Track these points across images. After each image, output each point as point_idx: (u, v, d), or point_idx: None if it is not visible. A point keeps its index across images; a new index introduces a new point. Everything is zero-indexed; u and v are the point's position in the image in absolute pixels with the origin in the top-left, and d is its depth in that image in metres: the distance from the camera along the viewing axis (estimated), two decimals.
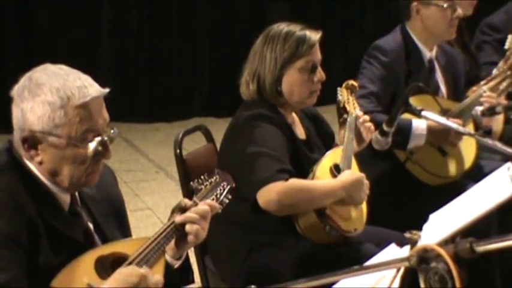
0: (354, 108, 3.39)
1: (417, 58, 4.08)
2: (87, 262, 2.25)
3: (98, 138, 2.27)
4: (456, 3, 4.08)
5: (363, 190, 3.22)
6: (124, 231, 2.58)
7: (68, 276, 2.21)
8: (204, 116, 8.38)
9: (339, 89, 3.47)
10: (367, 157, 3.51)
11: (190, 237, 2.39)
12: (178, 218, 2.38)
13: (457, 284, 1.69)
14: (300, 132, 3.39)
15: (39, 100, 2.22)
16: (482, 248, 1.81)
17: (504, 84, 4.04)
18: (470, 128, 3.97)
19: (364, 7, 9.55)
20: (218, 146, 3.49)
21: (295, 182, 3.08)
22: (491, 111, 3.90)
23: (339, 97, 3.44)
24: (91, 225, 2.43)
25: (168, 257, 2.42)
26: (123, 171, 6.47)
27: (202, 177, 2.58)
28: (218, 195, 2.55)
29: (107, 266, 2.26)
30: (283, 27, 3.26)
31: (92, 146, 2.26)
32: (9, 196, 2.22)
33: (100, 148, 2.27)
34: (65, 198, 2.36)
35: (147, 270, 2.22)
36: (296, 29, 3.24)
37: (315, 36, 3.24)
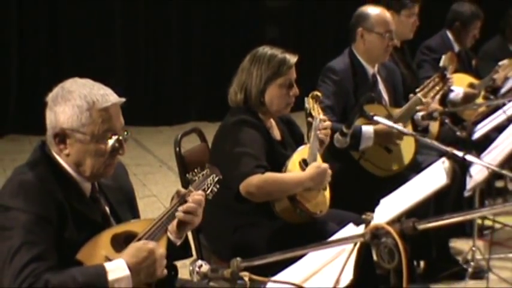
0: (318, 114, 3.41)
1: (362, 74, 4.08)
2: (104, 239, 2.26)
3: (115, 137, 2.30)
4: (394, 33, 4.10)
5: (326, 179, 3.24)
6: (134, 214, 2.58)
7: (90, 250, 2.22)
8: (199, 120, 8.37)
9: (306, 98, 3.48)
10: (329, 158, 3.52)
11: (188, 224, 2.43)
12: (182, 208, 2.40)
13: (403, 255, 1.70)
14: (277, 134, 3.40)
15: (70, 104, 2.26)
16: (422, 226, 1.82)
17: (433, 92, 4.06)
18: (409, 128, 3.99)
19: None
20: (210, 145, 3.49)
21: (270, 175, 3.11)
22: (429, 116, 3.93)
23: (306, 105, 3.45)
24: (107, 209, 2.45)
25: (172, 237, 2.43)
26: (133, 166, 6.47)
27: (195, 170, 2.60)
28: (209, 185, 2.57)
29: (121, 242, 2.27)
30: (267, 50, 3.29)
31: (110, 142, 2.29)
32: (42, 184, 2.23)
33: (117, 145, 2.31)
34: (87, 186, 2.38)
35: (155, 245, 2.23)
36: (278, 52, 3.28)
37: (293, 59, 3.28)
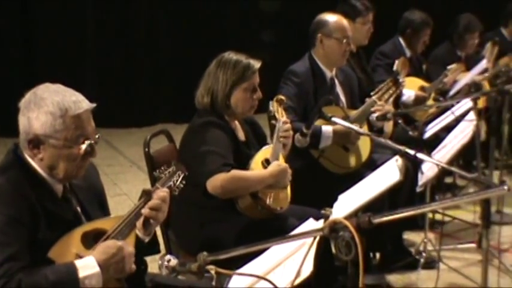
0: (282, 116, 3.41)
1: (321, 77, 4.09)
2: (75, 237, 2.24)
3: (88, 141, 2.28)
4: (351, 38, 4.12)
5: (287, 177, 3.25)
6: (105, 212, 2.56)
7: (61, 248, 2.20)
8: (167, 122, 8.31)
9: (271, 102, 3.48)
10: (291, 156, 3.53)
11: (152, 221, 2.40)
12: (147, 206, 2.36)
13: (359, 247, 1.71)
14: (241, 135, 3.40)
15: (43, 110, 2.23)
16: (377, 220, 1.83)
17: (387, 94, 4.10)
18: (365, 129, 4.01)
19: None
20: (177, 145, 3.47)
21: (235, 172, 3.11)
22: (383, 117, 3.96)
23: (270, 108, 3.46)
24: (79, 208, 2.42)
25: (140, 234, 2.40)
26: (104, 166, 6.40)
27: (162, 168, 2.58)
28: (175, 182, 2.55)
29: (90, 239, 2.25)
30: (232, 55, 3.28)
31: (82, 147, 2.27)
32: (14, 186, 2.21)
33: (89, 149, 2.29)
34: (59, 187, 2.35)
35: (124, 243, 2.22)
36: (243, 58, 3.28)
37: (257, 64, 3.28)
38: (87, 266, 2.13)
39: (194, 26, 8.83)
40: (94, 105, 2.33)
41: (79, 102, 2.27)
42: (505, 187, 2.29)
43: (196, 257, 1.88)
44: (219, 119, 3.25)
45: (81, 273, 2.11)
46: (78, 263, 2.14)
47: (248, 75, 3.24)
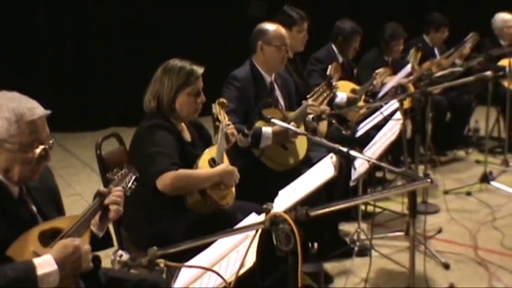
0: (224, 118, 3.42)
1: (261, 82, 4.10)
2: (32, 235, 2.19)
3: (42, 146, 2.25)
4: (289, 46, 4.15)
5: (233, 178, 3.25)
6: (60, 212, 2.52)
7: (19, 247, 2.15)
8: (117, 126, 8.19)
9: (213, 105, 3.48)
10: (234, 155, 3.53)
11: (111, 214, 2.39)
12: (108, 200, 2.37)
13: (297, 239, 1.72)
14: (187, 136, 3.38)
15: None
16: (314, 212, 1.85)
17: (322, 97, 4.14)
18: (302, 129, 4.04)
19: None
20: (128, 147, 3.44)
21: (183, 171, 3.09)
22: (319, 118, 4.00)
23: (213, 110, 3.46)
24: (35, 209, 2.37)
25: (94, 229, 2.39)
26: (59, 168, 6.28)
27: (114, 170, 2.57)
28: (127, 183, 2.53)
29: (48, 238, 2.21)
30: (177, 62, 3.27)
31: (37, 151, 2.23)
32: None
33: (43, 153, 2.25)
34: (15, 189, 2.30)
35: (80, 241, 2.18)
36: (186, 64, 3.27)
37: (200, 70, 3.27)
38: (45, 263, 2.09)
39: (143, 32, 8.74)
40: (49, 112, 2.30)
41: (34, 109, 2.23)
42: (429, 180, 2.34)
43: (147, 251, 1.86)
44: (166, 121, 3.23)
45: (39, 271, 2.07)
46: (36, 260, 2.09)
47: (192, 81, 3.24)
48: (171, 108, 3.24)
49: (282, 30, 4.16)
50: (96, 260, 2.38)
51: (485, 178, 5.79)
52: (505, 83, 6.51)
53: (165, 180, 3.04)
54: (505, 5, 7.45)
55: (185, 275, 2.16)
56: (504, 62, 6.48)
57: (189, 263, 2.14)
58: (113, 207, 2.38)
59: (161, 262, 1.83)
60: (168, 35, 8.70)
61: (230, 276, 1.99)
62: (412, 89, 5.90)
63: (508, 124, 6.68)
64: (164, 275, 2.76)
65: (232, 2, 9.25)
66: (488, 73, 5.30)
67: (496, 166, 6.38)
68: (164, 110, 3.24)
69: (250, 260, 1.97)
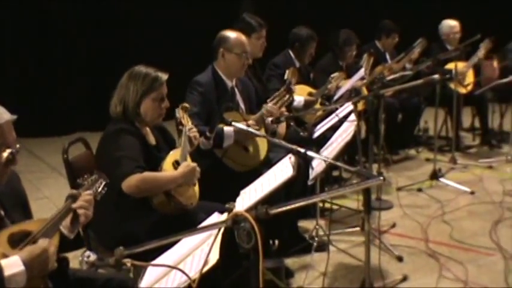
0: (187, 122, 3.41)
1: (222, 87, 4.10)
2: (1, 238, 2.15)
3: (9, 150, 2.21)
4: (249, 53, 4.15)
5: (195, 175, 3.24)
6: (27, 215, 2.48)
7: None
8: (84, 131, 8.10)
9: (176, 109, 3.46)
10: (197, 157, 3.52)
11: (81, 218, 2.36)
12: (76, 205, 2.34)
13: (258, 236, 1.73)
14: (152, 140, 3.36)
15: None
16: (274, 211, 1.86)
17: (281, 101, 4.16)
18: (262, 131, 4.05)
19: None
20: (94, 151, 3.40)
21: (148, 174, 3.07)
22: (278, 120, 4.01)
23: (177, 115, 3.44)
24: (2, 212, 2.33)
25: (66, 232, 2.35)
26: (27, 172, 6.19)
27: (85, 175, 2.53)
28: (97, 188, 2.50)
29: (17, 240, 2.16)
30: (142, 68, 3.25)
31: (4, 155, 2.20)
32: None
33: (10, 157, 2.22)
34: None
35: (47, 243, 2.14)
36: (151, 71, 3.25)
37: (164, 76, 3.26)
38: (13, 264, 2.05)
39: (109, 37, 8.65)
40: (15, 116, 2.26)
41: (0, 114, 2.20)
42: (381, 178, 2.38)
43: (114, 251, 1.85)
44: (131, 126, 3.21)
45: (7, 272, 2.03)
46: (3, 262, 2.05)
47: (156, 86, 3.22)
48: (136, 113, 3.22)
49: (243, 38, 4.16)
50: (64, 261, 2.35)
51: (435, 175, 5.89)
52: (452, 85, 6.64)
53: (130, 183, 3.02)
54: (450, 12, 7.60)
55: (151, 273, 2.15)
56: (451, 66, 6.60)
57: (155, 261, 2.13)
58: (80, 211, 2.35)
59: (128, 261, 1.82)
60: (133, 38, 8.64)
61: (194, 273, 1.98)
62: (365, 92, 5.98)
63: (455, 124, 6.83)
64: (131, 274, 2.75)
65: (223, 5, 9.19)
66: (436, 76, 5.40)
67: (444, 164, 6.49)
68: (129, 115, 3.22)
69: (214, 257, 1.97)
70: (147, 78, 3.22)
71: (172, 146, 3.44)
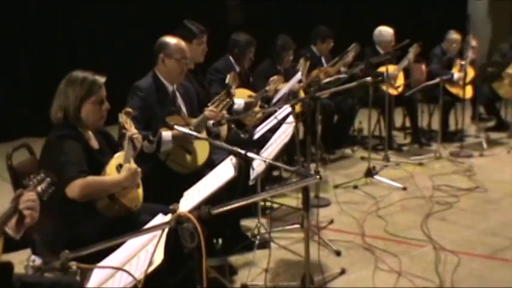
0: (130, 126, 3.37)
1: (163, 91, 4.08)
2: None
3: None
4: (188, 59, 4.15)
5: (138, 177, 3.22)
6: None
7: None
8: (28, 136, 7.89)
9: (119, 114, 3.42)
10: (140, 160, 3.48)
11: (27, 219, 2.27)
12: (21, 206, 2.25)
13: (201, 236, 1.74)
14: (94, 144, 3.31)
15: None
16: (216, 210, 1.87)
17: (222, 104, 4.17)
18: (204, 134, 4.05)
19: None
20: (38, 157, 3.32)
21: (91, 178, 3.03)
22: (219, 123, 4.02)
23: (120, 119, 3.40)
24: None
25: (11, 233, 2.26)
26: None
27: (31, 175, 2.46)
28: (43, 188, 2.43)
29: None
30: (79, 73, 3.19)
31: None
32: None
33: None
34: None
35: None
36: (89, 75, 3.19)
37: (102, 79, 3.21)
38: None
39: (51, 44, 8.47)
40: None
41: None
42: (318, 176, 2.42)
43: (60, 255, 1.82)
44: (73, 131, 3.16)
45: None
46: None
47: (95, 90, 3.18)
48: (77, 118, 3.17)
49: (182, 44, 4.15)
50: (9, 267, 2.29)
51: (370, 173, 6.01)
52: (384, 87, 6.81)
53: (74, 188, 2.97)
54: (382, 18, 7.77)
55: (98, 275, 2.12)
56: (382, 69, 6.75)
57: (101, 263, 2.11)
58: (26, 212, 2.28)
59: (73, 264, 1.80)
60: (74, 44, 8.48)
61: (140, 274, 1.97)
62: (302, 94, 6.06)
63: (388, 124, 6.99)
64: (78, 277, 2.70)
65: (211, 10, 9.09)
66: (369, 79, 5.51)
67: (378, 162, 6.64)
68: (71, 120, 3.16)
69: (158, 257, 1.97)
70: (85, 82, 3.17)
71: (115, 150, 3.40)
